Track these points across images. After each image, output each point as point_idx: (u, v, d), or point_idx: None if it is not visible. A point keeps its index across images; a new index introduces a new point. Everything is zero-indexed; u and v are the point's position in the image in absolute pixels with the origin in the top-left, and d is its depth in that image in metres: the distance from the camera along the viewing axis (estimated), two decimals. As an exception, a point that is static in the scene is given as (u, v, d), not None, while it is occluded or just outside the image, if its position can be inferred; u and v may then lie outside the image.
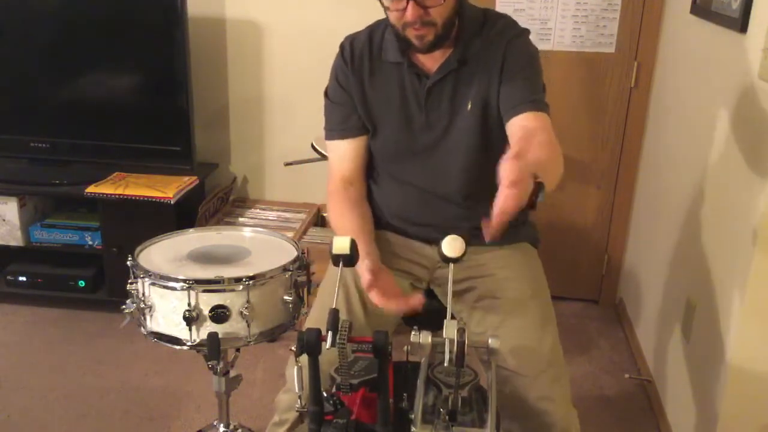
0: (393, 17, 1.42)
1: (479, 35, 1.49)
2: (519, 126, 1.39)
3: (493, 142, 1.50)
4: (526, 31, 1.52)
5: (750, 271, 1.60)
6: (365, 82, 1.56)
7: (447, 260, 1.15)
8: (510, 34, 1.49)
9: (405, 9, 1.37)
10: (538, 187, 1.16)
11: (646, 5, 2.64)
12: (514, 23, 1.53)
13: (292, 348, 1.10)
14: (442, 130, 1.53)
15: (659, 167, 2.55)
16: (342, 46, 1.59)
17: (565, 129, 2.75)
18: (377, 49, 1.55)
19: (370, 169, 1.65)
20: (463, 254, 1.15)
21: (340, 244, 1.16)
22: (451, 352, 1.05)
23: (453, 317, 1.11)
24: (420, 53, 1.48)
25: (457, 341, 1.05)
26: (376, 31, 1.58)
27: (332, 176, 1.62)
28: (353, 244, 1.17)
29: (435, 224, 1.58)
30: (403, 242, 1.64)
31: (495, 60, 1.47)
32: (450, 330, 1.06)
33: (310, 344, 1.08)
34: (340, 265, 1.17)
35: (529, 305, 1.50)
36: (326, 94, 1.62)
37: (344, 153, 1.61)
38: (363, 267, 1.35)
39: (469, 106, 1.49)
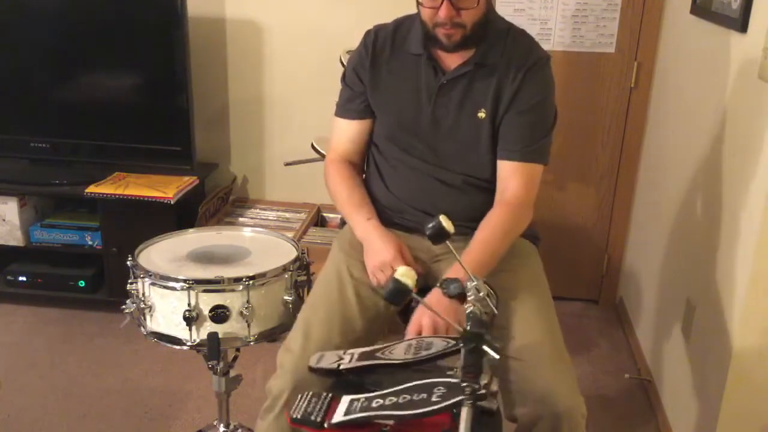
0: (426, 14, 1.50)
1: (502, 46, 1.56)
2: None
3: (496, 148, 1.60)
4: (548, 59, 1.58)
5: (750, 271, 1.60)
6: (382, 68, 1.62)
7: (436, 237, 1.14)
8: (532, 60, 1.55)
9: (438, 7, 1.44)
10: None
11: (646, 5, 2.64)
12: (538, 45, 1.59)
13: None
14: (447, 128, 1.59)
15: (659, 167, 2.54)
16: (367, 33, 1.66)
17: (565, 129, 2.75)
18: (401, 39, 1.62)
19: (372, 156, 1.71)
20: (452, 232, 1.14)
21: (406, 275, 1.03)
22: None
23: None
24: (445, 51, 1.54)
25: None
26: (403, 24, 1.65)
27: (333, 148, 1.72)
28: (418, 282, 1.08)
29: (433, 214, 1.58)
30: (401, 236, 1.64)
31: (512, 81, 1.54)
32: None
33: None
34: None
35: (530, 296, 1.51)
36: (344, 72, 1.71)
37: (344, 132, 1.70)
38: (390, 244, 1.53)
39: (483, 115, 1.56)
